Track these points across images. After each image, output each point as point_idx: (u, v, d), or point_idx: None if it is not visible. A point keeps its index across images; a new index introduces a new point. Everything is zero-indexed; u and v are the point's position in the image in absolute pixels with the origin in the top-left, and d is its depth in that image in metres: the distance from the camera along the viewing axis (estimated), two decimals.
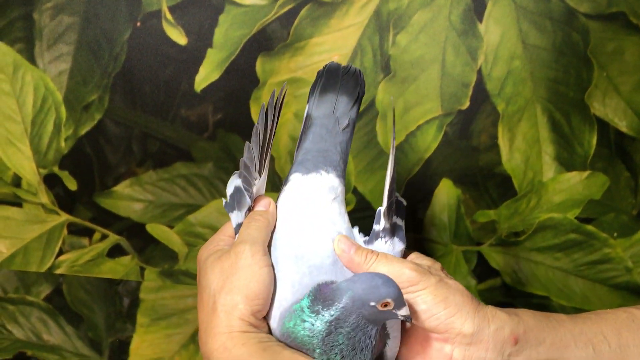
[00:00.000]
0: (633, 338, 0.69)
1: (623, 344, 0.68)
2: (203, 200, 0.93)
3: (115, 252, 0.94)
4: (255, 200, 0.69)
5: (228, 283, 0.64)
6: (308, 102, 0.73)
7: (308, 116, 0.72)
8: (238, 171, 0.69)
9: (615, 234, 0.93)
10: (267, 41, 0.90)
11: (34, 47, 0.91)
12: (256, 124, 0.67)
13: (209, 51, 0.90)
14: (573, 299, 0.94)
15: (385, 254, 0.67)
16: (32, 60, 0.91)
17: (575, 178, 0.92)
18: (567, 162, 0.92)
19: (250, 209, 0.69)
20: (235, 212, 0.69)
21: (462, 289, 0.65)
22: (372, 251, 0.66)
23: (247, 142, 0.68)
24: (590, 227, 0.93)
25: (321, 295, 0.62)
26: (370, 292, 0.61)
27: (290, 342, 0.64)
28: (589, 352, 0.67)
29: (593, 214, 0.93)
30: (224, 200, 0.70)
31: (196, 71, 0.90)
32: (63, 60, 0.91)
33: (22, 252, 0.94)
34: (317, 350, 0.63)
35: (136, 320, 0.95)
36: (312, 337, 0.63)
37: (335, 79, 0.71)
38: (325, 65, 0.72)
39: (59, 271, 0.94)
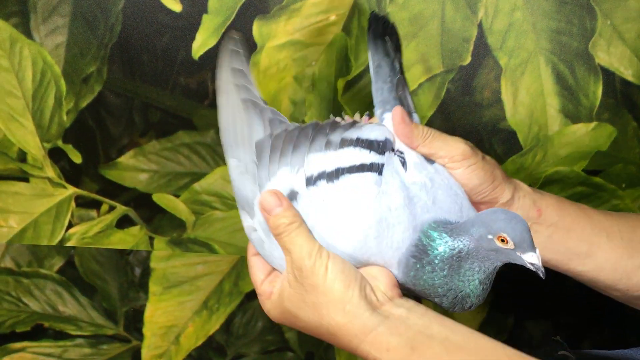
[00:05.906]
0: None
1: (635, 240, 0.72)
2: (207, 168, 0.93)
3: (123, 222, 0.95)
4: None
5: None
6: (368, 47, 0.74)
7: (372, 58, 0.74)
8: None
9: (623, 185, 0.92)
10: (262, 4, 0.89)
11: (29, 20, 0.90)
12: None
13: (205, 17, 0.89)
14: None
15: (440, 132, 0.70)
16: (28, 34, 0.90)
17: (581, 130, 0.91)
18: (572, 114, 0.91)
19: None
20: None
21: (497, 163, 0.71)
22: (429, 128, 0.70)
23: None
24: (597, 179, 0.92)
25: (447, 228, 0.63)
26: (489, 224, 0.62)
27: (415, 287, 0.64)
28: (602, 238, 0.72)
29: (600, 165, 0.92)
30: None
31: (193, 38, 0.89)
32: (59, 32, 0.90)
33: (33, 226, 0.94)
34: (439, 286, 0.63)
35: (148, 289, 0.96)
36: (434, 276, 0.63)
37: (379, 24, 0.74)
38: (371, 14, 0.75)
39: (69, 244, 0.94)
